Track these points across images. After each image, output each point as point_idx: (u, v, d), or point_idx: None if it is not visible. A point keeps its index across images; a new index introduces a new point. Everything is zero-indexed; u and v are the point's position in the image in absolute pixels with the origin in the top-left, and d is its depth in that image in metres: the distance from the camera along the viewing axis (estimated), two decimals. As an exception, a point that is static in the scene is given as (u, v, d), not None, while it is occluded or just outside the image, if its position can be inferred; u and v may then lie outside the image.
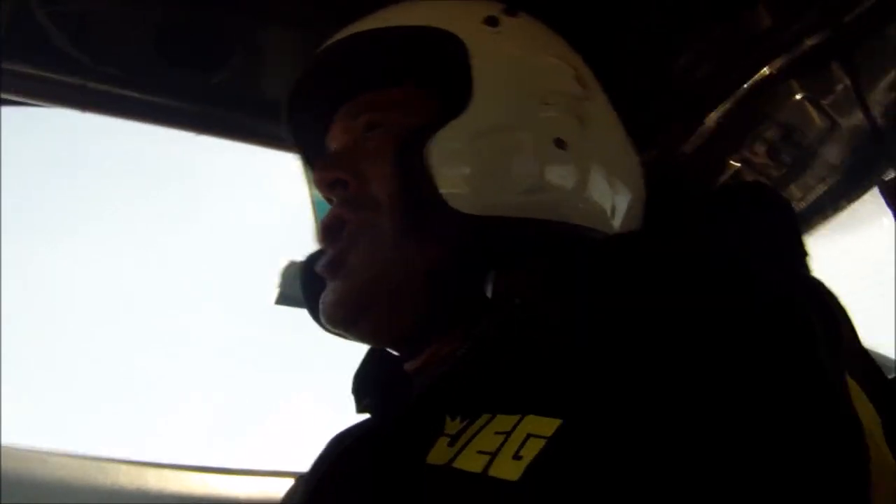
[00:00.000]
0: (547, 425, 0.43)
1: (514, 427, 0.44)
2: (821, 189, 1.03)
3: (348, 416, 0.66)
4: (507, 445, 0.44)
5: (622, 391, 0.42)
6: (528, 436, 0.43)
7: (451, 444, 0.48)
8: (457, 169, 0.57)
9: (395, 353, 0.66)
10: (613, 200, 0.62)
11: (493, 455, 0.44)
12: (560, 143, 0.59)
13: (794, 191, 1.04)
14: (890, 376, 0.59)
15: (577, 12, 0.84)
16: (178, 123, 0.93)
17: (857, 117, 0.96)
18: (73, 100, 0.87)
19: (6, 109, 0.87)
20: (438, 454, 0.48)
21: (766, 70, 0.93)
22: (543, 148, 0.59)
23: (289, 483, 1.08)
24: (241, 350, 1.69)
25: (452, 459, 0.46)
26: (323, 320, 0.63)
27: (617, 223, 0.63)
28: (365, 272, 0.60)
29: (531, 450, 0.42)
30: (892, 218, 0.91)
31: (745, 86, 0.95)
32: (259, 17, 0.89)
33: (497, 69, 0.60)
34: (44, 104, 0.87)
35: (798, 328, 0.42)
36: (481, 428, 0.47)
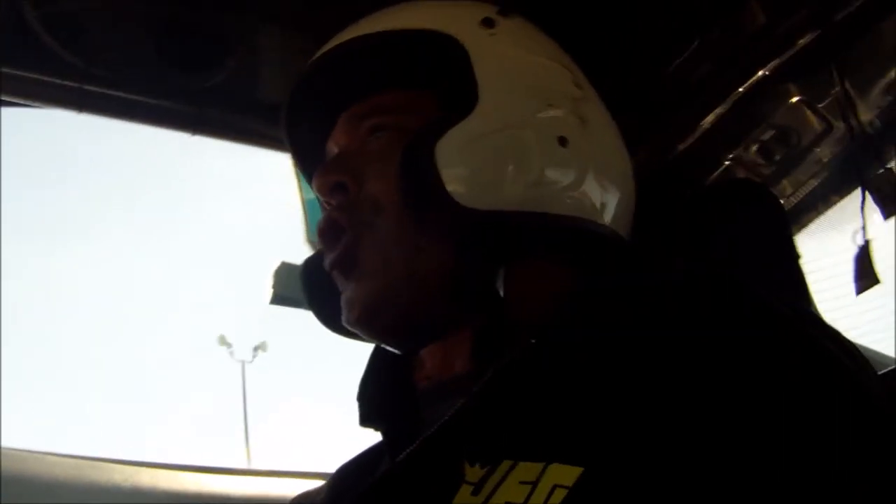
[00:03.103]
0: (569, 474, 0.44)
1: (539, 477, 0.45)
2: (811, 185, 1.04)
3: (347, 416, 0.66)
4: (534, 496, 0.44)
5: (649, 438, 0.43)
6: (555, 486, 0.44)
7: (475, 493, 0.48)
8: (464, 167, 0.58)
9: (400, 352, 0.65)
10: (607, 196, 0.64)
11: None
12: (563, 141, 0.61)
13: (785, 186, 1.04)
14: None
15: (572, 12, 0.82)
16: (173, 124, 0.93)
17: (852, 120, 0.96)
18: (69, 101, 0.87)
19: (5, 112, 0.87)
20: (463, 502, 0.48)
21: (762, 72, 0.93)
22: (547, 145, 0.61)
23: (283, 483, 1.08)
24: (239, 350, 1.70)
25: None
26: (344, 320, 0.63)
27: (608, 217, 0.64)
28: (380, 272, 0.60)
29: (557, 500, 0.43)
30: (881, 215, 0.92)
31: (741, 88, 0.95)
32: (256, 18, 0.89)
33: (498, 71, 0.62)
34: (40, 106, 0.87)
35: (848, 382, 0.44)
36: (504, 476, 0.47)
